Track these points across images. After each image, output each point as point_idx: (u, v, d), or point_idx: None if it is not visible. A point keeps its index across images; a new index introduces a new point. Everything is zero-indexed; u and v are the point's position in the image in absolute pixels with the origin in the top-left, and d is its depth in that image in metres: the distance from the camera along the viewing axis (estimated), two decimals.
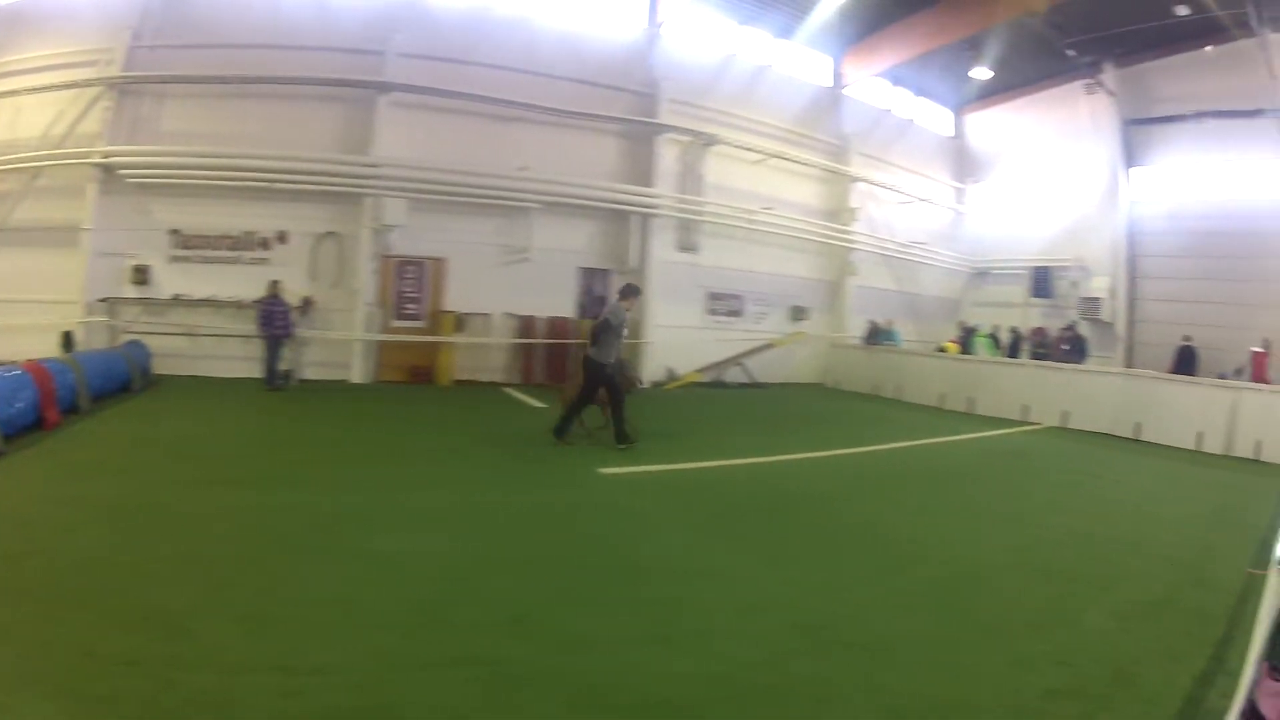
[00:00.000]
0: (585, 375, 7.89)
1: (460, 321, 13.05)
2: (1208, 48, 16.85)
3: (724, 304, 16.49)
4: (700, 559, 4.78)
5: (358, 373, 12.56)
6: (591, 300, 14.39)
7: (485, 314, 13.45)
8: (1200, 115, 17.51)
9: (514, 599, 3.75)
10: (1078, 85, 18.97)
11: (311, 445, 7.54)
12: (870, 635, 3.87)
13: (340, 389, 11.88)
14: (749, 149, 16.26)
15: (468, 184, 12.97)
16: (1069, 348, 17.48)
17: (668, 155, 15.22)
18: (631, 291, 8.32)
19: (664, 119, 14.81)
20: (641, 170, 14.84)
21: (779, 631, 3.78)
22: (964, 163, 21.98)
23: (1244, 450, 10.99)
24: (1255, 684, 2.36)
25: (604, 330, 7.80)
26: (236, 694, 2.58)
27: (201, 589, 3.51)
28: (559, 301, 14.25)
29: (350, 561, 4.06)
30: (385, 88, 12.43)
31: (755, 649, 3.51)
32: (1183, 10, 15.45)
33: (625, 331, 8.13)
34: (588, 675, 2.99)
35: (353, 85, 12.30)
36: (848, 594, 4.54)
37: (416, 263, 13.10)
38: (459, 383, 13.08)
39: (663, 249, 15.25)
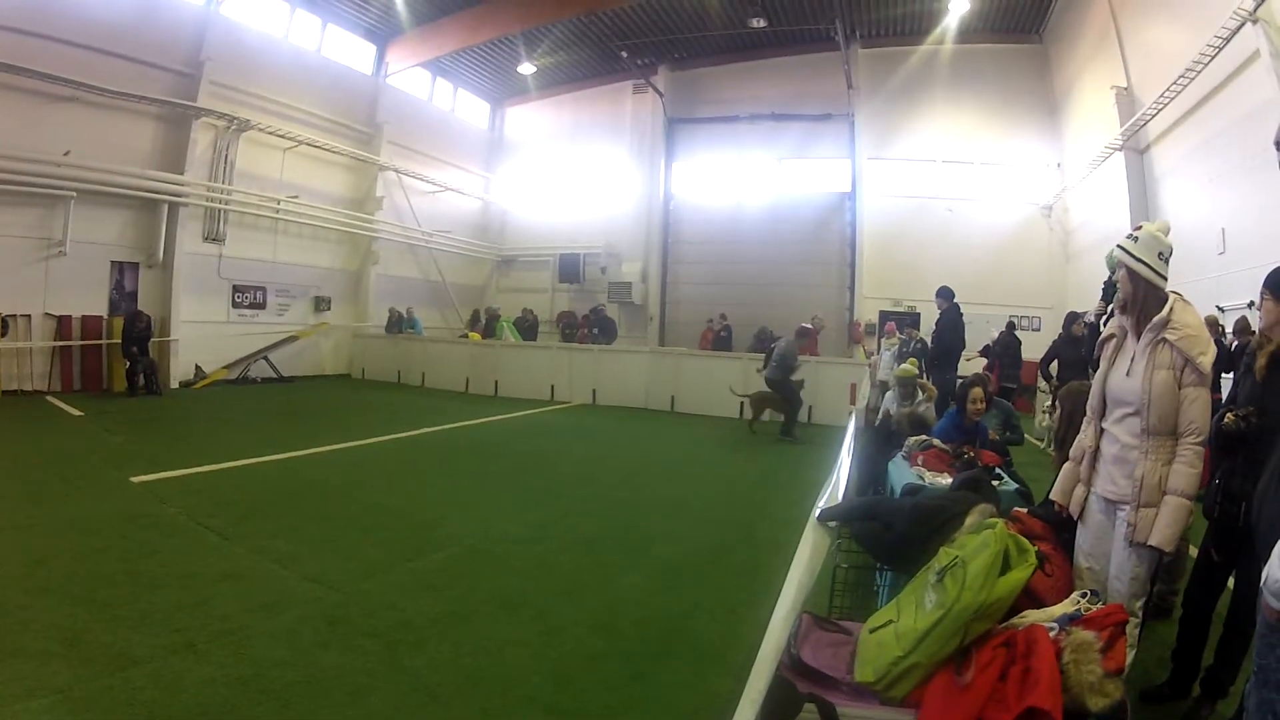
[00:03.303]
0: (787, 390, 15.35)
1: (4, 325, 16.79)
2: (781, 58, 26.68)
3: (248, 296, 22.92)
4: (224, 562, 6.67)
5: None
6: (122, 296, 19.44)
7: (27, 315, 17.36)
8: (755, 117, 27.67)
9: (64, 620, 5.23)
10: (627, 84, 28.66)
11: None
12: (395, 620, 5.56)
13: None
14: (282, 135, 22.78)
15: (16, 170, 16.59)
16: (597, 330, 26.42)
17: (202, 140, 20.74)
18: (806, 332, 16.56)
19: (204, 102, 20.22)
20: (175, 156, 20.11)
21: (303, 626, 5.36)
22: (498, 154, 32.35)
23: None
24: (796, 636, 3.40)
25: (792, 359, 15.47)
26: None
27: None
28: (92, 299, 18.76)
29: None
30: None
31: (282, 647, 4.99)
32: (760, 23, 23.98)
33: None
34: (141, 691, 4.34)
35: None
36: (370, 582, 6.34)
37: None
38: (7, 394, 16.66)
39: (190, 240, 20.76)
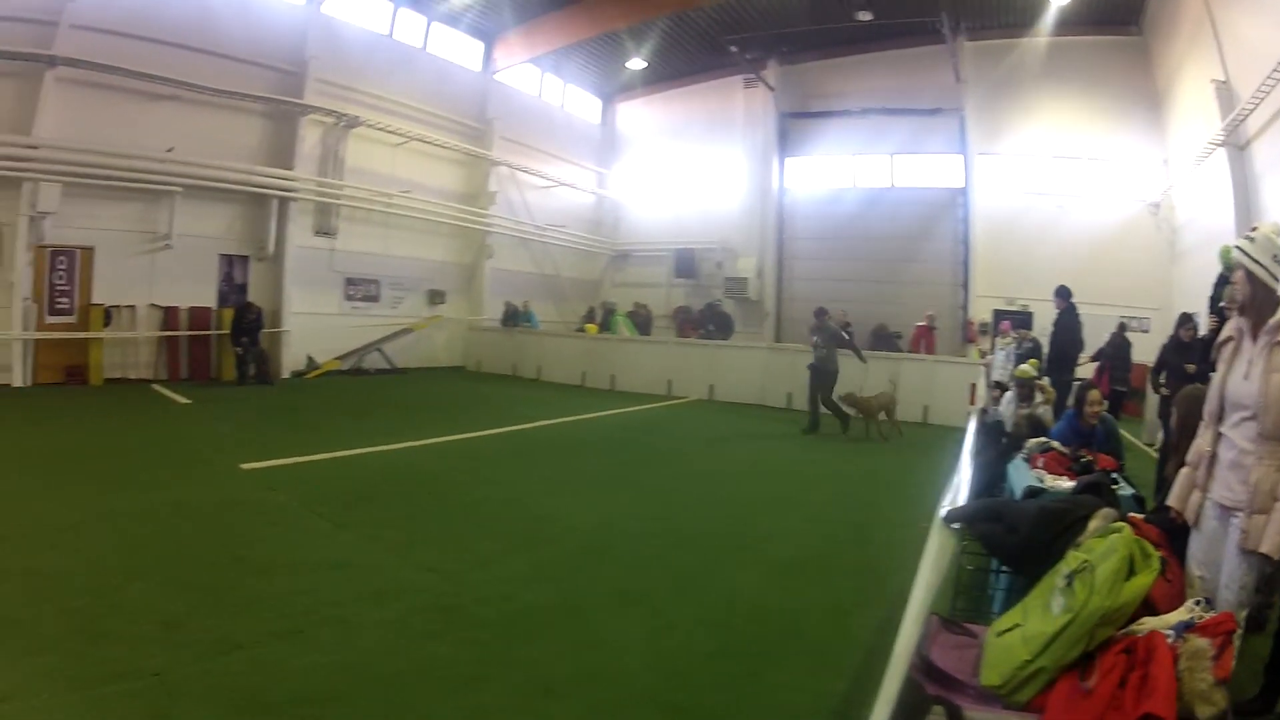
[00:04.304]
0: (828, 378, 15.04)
1: (109, 315, 17.09)
2: (887, 51, 25.97)
3: (361, 289, 23.20)
4: (334, 549, 6.72)
5: (19, 375, 15.76)
6: (231, 289, 19.76)
7: (131, 306, 17.61)
8: (866, 111, 26.88)
9: (163, 605, 5.22)
10: (737, 79, 28.09)
11: None
12: (508, 612, 5.52)
13: (3, 394, 14.83)
14: (392, 131, 23.01)
15: (119, 167, 16.77)
16: (713, 326, 25.82)
17: (310, 137, 21.01)
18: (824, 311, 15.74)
19: (310, 99, 20.47)
20: (283, 152, 20.36)
21: (414, 615, 5.36)
22: (611, 150, 31.93)
23: (911, 415, 16.47)
24: (926, 637, 3.41)
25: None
26: None
27: None
28: (200, 290, 18.99)
29: (7, 580, 5.47)
30: (54, 61, 15.69)
31: (391, 635, 5.01)
32: (866, 16, 23.63)
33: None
34: (240, 676, 4.32)
35: (21, 58, 15.38)
36: (483, 572, 6.35)
37: (68, 252, 16.70)
38: (110, 382, 16.96)
39: (301, 233, 21.01)
